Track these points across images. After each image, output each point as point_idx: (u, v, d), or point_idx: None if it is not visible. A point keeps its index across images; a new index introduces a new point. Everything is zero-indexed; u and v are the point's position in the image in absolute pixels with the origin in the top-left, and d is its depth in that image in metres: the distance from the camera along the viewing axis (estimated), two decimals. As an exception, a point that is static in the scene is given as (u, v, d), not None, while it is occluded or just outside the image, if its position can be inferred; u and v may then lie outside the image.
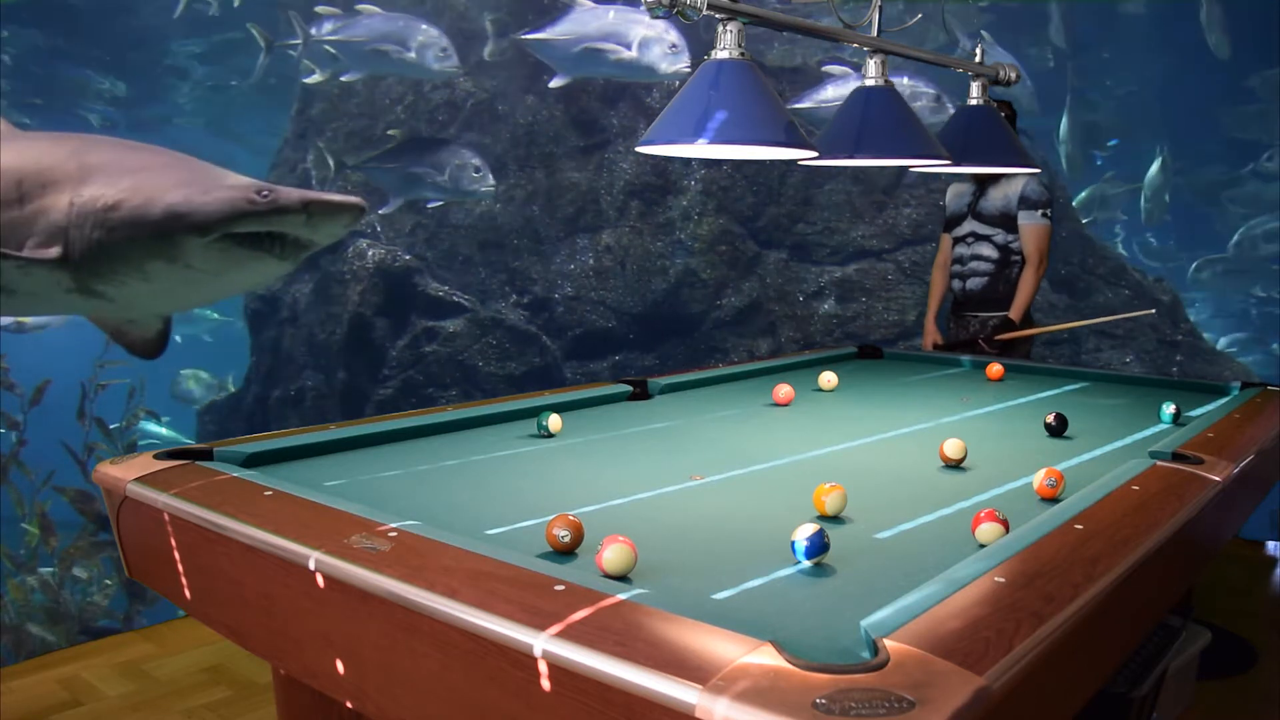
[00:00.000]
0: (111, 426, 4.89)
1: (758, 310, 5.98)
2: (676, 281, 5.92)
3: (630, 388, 2.91)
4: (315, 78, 5.57)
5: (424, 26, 5.51)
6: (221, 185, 3.52)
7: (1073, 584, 1.38)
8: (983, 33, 5.75)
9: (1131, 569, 1.50)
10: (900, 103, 2.55)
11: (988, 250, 4.06)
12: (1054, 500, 1.89)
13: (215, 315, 6.12)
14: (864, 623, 1.23)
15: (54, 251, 3.40)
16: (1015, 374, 3.48)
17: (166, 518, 1.75)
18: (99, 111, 5.42)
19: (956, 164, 2.73)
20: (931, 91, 5.88)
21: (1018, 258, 4.03)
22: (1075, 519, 1.65)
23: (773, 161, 5.45)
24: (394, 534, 1.50)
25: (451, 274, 5.77)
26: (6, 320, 4.29)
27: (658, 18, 1.92)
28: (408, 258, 5.76)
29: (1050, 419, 2.53)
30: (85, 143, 3.83)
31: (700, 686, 1.04)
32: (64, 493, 4.70)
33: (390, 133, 5.82)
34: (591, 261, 5.87)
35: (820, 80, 5.94)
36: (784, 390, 2.88)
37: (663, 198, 5.94)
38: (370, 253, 5.71)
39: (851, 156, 2.52)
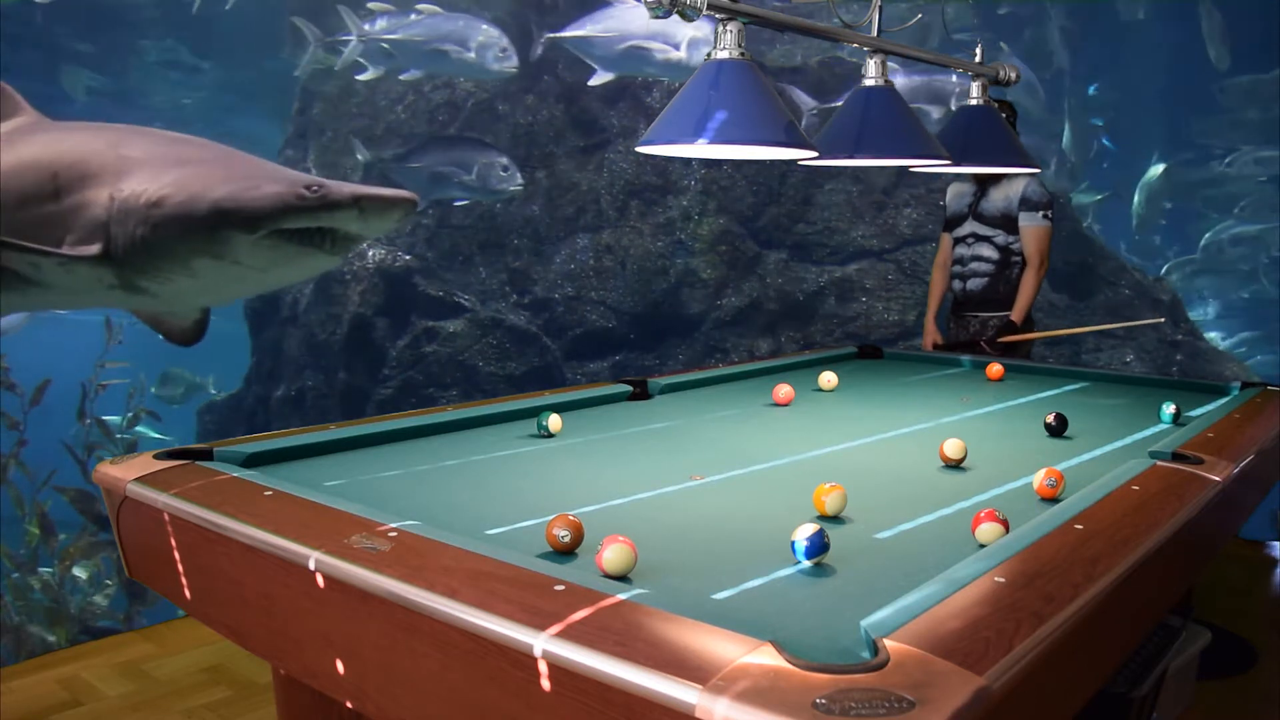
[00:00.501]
0: (106, 418, 4.87)
1: (758, 310, 5.98)
2: (676, 281, 5.92)
3: (630, 388, 2.91)
4: (368, 75, 5.52)
5: (484, 26, 5.44)
6: (269, 180, 3.45)
7: (1073, 584, 1.38)
8: (1003, 45, 5.76)
9: (1131, 569, 1.50)
10: (900, 103, 2.55)
11: (988, 251, 4.06)
12: (1054, 500, 1.89)
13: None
14: (864, 623, 1.23)
15: (95, 249, 3.34)
16: (1015, 374, 3.48)
17: (166, 518, 1.75)
18: (82, 104, 5.38)
19: (956, 164, 2.73)
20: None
21: (1018, 259, 4.03)
22: (1075, 519, 1.65)
23: (773, 161, 5.45)
24: (394, 534, 1.50)
25: (451, 274, 5.77)
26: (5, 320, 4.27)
27: (658, 18, 1.92)
28: (408, 258, 5.76)
29: (1050, 419, 2.53)
30: (124, 134, 3.74)
31: (700, 686, 1.04)
32: (64, 493, 4.70)
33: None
34: (591, 261, 5.87)
35: (836, 79, 5.95)
36: (784, 390, 2.88)
37: (663, 198, 5.94)
38: (370, 253, 5.71)
39: (851, 156, 2.52)
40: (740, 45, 1.99)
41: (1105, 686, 1.98)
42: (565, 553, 1.56)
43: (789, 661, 1.09)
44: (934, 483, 2.09)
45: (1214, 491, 1.94)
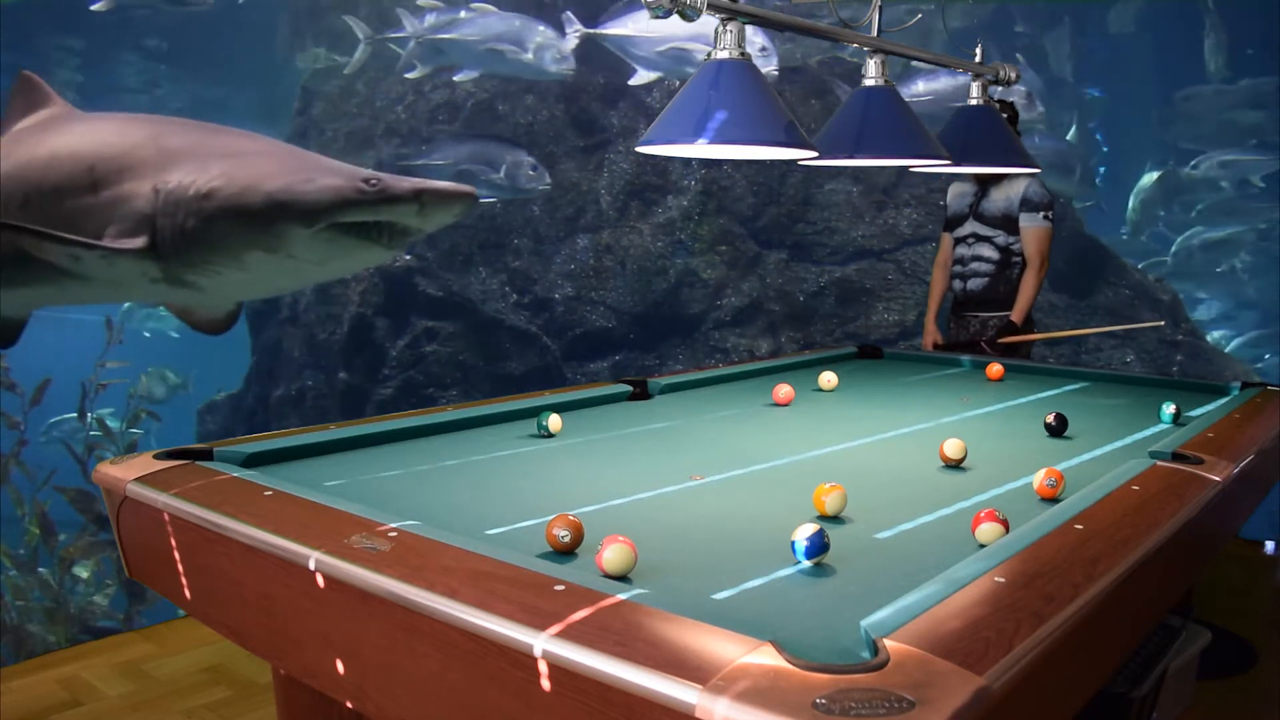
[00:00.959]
0: (102, 413, 4.85)
1: (758, 310, 5.98)
2: (676, 281, 5.92)
3: (630, 388, 2.91)
4: (416, 72, 5.48)
5: (540, 27, 5.38)
6: (325, 173, 3.38)
7: (1073, 584, 1.38)
8: (1019, 56, 5.78)
9: (1131, 569, 1.50)
10: (900, 103, 2.55)
11: (988, 251, 4.06)
12: (1054, 500, 1.89)
13: None
14: (864, 623, 1.23)
15: (139, 241, 3.27)
16: (1015, 374, 3.48)
17: (166, 518, 1.75)
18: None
19: (957, 164, 2.73)
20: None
21: (1018, 259, 4.03)
22: (1075, 519, 1.65)
23: (773, 161, 5.45)
24: (394, 534, 1.50)
25: (451, 274, 5.77)
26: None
27: (658, 18, 1.92)
28: (408, 258, 5.76)
29: (1050, 419, 2.53)
30: (162, 125, 3.69)
31: (700, 686, 1.04)
32: (64, 493, 4.70)
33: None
34: (591, 261, 5.87)
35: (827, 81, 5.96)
36: (784, 390, 2.88)
37: (663, 198, 5.94)
38: (370, 253, 5.71)
39: (851, 156, 2.52)
40: (740, 45, 1.99)
41: (1105, 686, 1.98)
42: (565, 553, 1.56)
43: (789, 661, 1.09)
44: (934, 483, 2.09)
45: (1214, 491, 1.94)
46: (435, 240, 5.84)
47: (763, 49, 5.33)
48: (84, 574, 4.70)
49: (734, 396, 2.99)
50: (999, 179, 4.04)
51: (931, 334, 4.33)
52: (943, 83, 5.85)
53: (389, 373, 5.72)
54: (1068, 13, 6.68)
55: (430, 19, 5.36)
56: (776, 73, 5.50)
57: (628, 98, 5.93)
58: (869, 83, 2.55)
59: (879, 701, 1.01)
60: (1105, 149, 7.03)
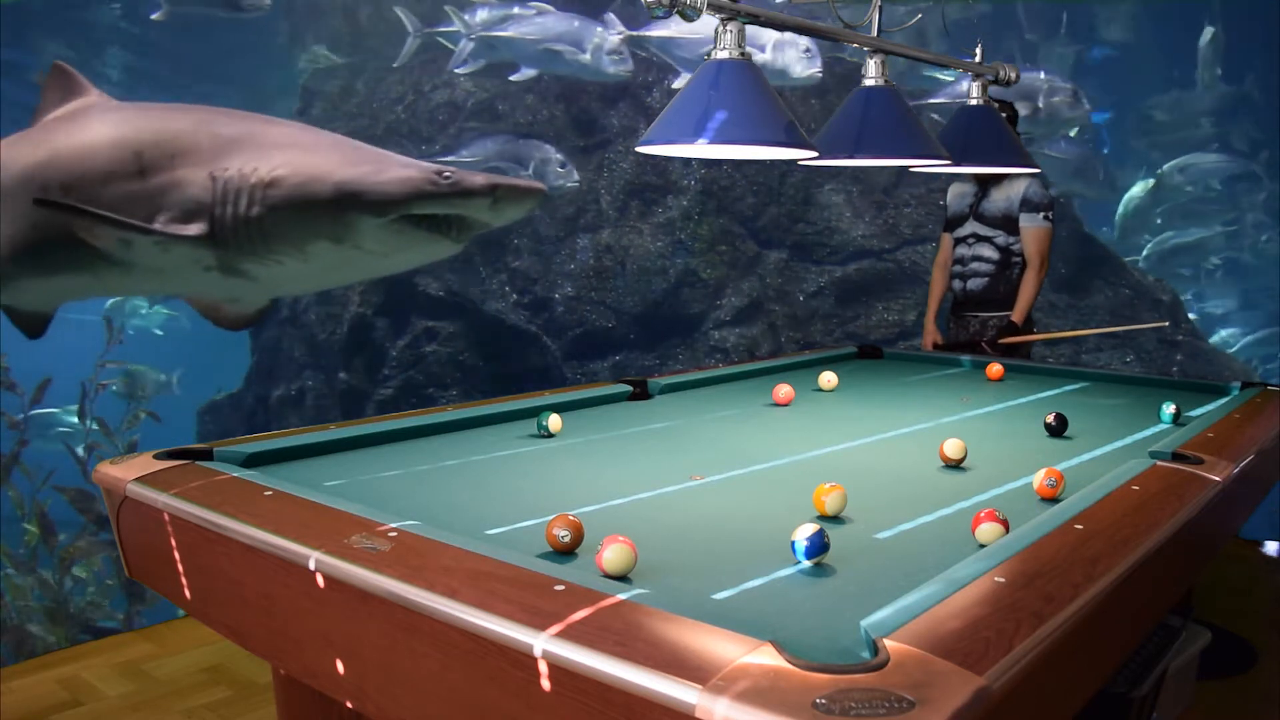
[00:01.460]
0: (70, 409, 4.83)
1: (758, 310, 5.97)
2: (676, 281, 5.92)
3: (630, 388, 2.91)
4: (468, 68, 5.45)
5: (599, 28, 5.34)
6: (395, 165, 3.36)
7: (1073, 584, 1.38)
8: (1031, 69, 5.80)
9: (1131, 569, 1.50)
10: (900, 103, 2.55)
11: (989, 251, 4.06)
12: (1054, 500, 1.89)
13: (165, 311, 5.92)
14: (864, 623, 1.23)
15: (199, 228, 3.23)
16: (1015, 374, 3.48)
17: (166, 518, 1.75)
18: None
19: (956, 164, 2.73)
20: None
21: (1018, 259, 4.03)
22: (1075, 519, 1.65)
23: (773, 161, 5.45)
24: (394, 534, 1.50)
25: (451, 274, 5.77)
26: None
27: (657, 17, 1.92)
28: (408, 258, 5.75)
29: (1050, 419, 2.53)
30: (209, 114, 3.66)
31: (700, 686, 1.04)
32: (64, 493, 4.70)
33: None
34: (591, 261, 5.87)
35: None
36: (784, 390, 2.88)
37: (663, 198, 5.94)
38: (370, 253, 5.71)
39: (851, 156, 2.52)
40: (740, 45, 1.99)
41: (1105, 686, 1.98)
42: (565, 553, 1.56)
43: (789, 661, 1.09)
44: (934, 483, 2.09)
45: (1214, 491, 1.94)
46: (435, 240, 5.84)
47: (806, 50, 5.28)
48: (84, 574, 4.70)
49: (734, 396, 2.99)
50: (999, 179, 4.04)
51: (931, 334, 4.33)
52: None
53: (389, 373, 5.72)
54: (1065, 11, 6.70)
55: (482, 14, 5.32)
56: (820, 74, 5.46)
57: (628, 98, 5.93)
58: (869, 83, 2.55)
59: (879, 701, 1.01)
60: (1106, 150, 7.05)
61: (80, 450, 4.82)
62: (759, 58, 5.05)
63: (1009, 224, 4.01)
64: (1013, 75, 2.91)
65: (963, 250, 4.15)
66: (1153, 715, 2.21)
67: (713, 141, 1.92)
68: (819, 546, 1.54)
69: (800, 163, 2.57)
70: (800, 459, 2.28)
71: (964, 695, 1.04)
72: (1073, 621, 1.29)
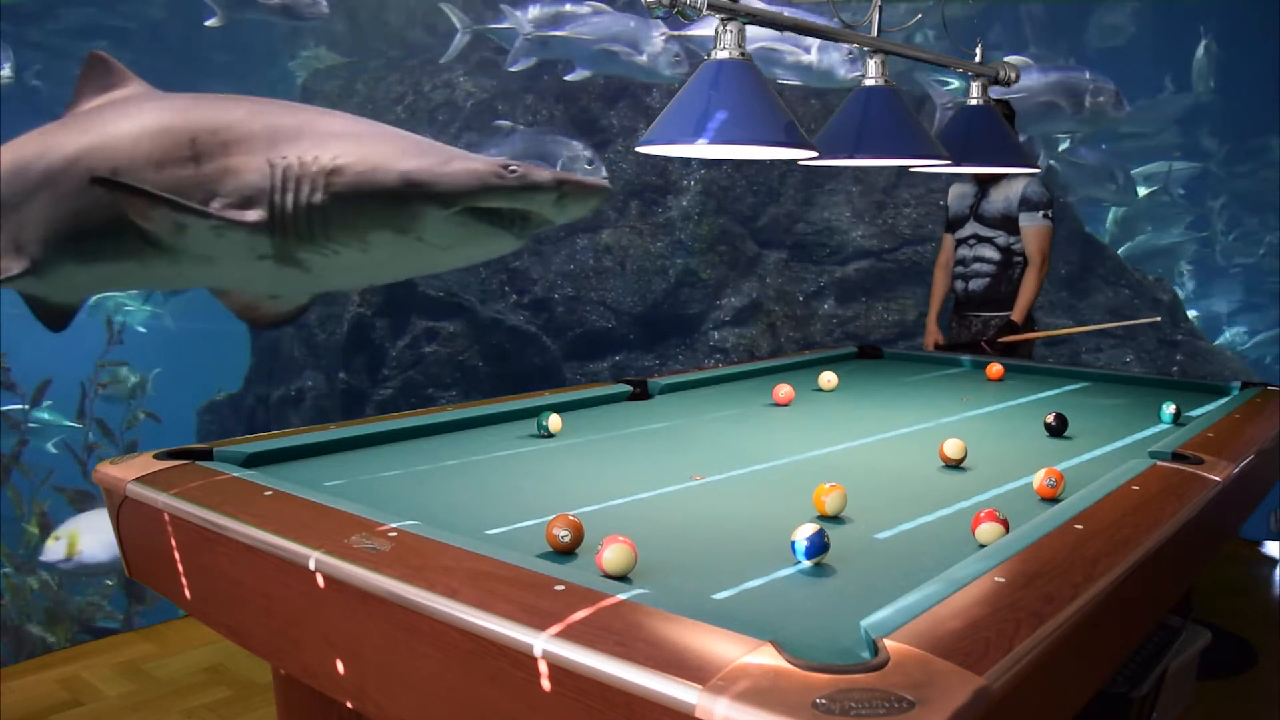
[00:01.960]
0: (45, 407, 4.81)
1: (757, 310, 5.97)
2: (676, 281, 5.92)
3: (630, 388, 2.91)
4: (519, 66, 5.41)
5: (658, 31, 5.28)
6: (459, 157, 3.33)
7: (1073, 584, 1.38)
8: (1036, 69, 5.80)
9: (1131, 569, 1.50)
10: (900, 103, 2.55)
11: (990, 252, 4.06)
12: (1054, 500, 1.89)
13: (149, 308, 5.87)
14: (864, 623, 1.23)
15: (256, 214, 3.20)
16: (1015, 374, 3.48)
17: (166, 518, 1.75)
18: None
19: (956, 164, 2.73)
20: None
21: (1020, 259, 4.03)
22: (1075, 519, 1.65)
23: (773, 161, 5.45)
24: (394, 534, 1.50)
25: (452, 274, 5.76)
26: None
27: (657, 17, 1.92)
28: (407, 258, 5.75)
29: (1050, 419, 2.53)
30: (260, 104, 3.64)
31: (700, 686, 1.04)
32: (64, 493, 4.70)
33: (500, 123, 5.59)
34: (591, 261, 5.87)
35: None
36: (784, 390, 2.88)
37: (663, 198, 5.94)
38: (370, 253, 5.70)
39: (851, 156, 2.52)
40: (740, 45, 1.99)
41: (1105, 686, 1.98)
42: (565, 553, 1.56)
43: (789, 661, 1.09)
44: (934, 483, 2.09)
45: (1214, 491, 1.94)
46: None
47: (849, 52, 5.25)
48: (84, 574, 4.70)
49: (734, 396, 2.99)
50: (998, 179, 4.04)
51: (933, 334, 4.34)
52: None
53: (389, 373, 5.72)
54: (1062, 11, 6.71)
55: (534, 10, 5.28)
56: (859, 76, 5.45)
57: (628, 98, 5.93)
58: (869, 83, 2.55)
59: (879, 701, 1.01)
60: (1104, 145, 7.06)
61: (80, 450, 4.82)
62: (804, 59, 5.03)
63: (1009, 224, 4.01)
64: (1013, 75, 2.91)
65: (964, 251, 4.15)
66: (1153, 715, 2.21)
67: (713, 141, 1.92)
68: (819, 546, 1.54)
69: (800, 163, 2.57)
70: (800, 459, 2.28)
71: (964, 695, 1.04)
72: (1073, 621, 1.29)
